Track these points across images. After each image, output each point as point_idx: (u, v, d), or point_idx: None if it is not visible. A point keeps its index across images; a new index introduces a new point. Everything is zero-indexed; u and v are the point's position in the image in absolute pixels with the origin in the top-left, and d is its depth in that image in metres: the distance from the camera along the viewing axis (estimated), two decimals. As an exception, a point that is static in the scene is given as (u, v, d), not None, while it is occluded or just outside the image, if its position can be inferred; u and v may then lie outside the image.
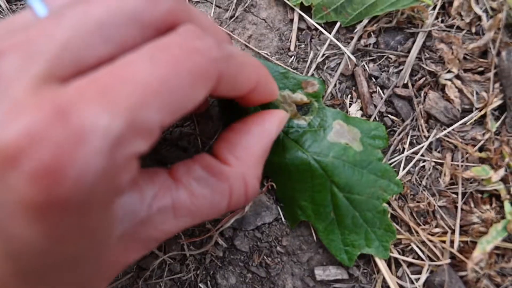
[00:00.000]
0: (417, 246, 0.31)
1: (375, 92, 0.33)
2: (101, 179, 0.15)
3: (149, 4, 0.17)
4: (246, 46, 0.34)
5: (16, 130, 0.14)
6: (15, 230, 0.14)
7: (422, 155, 0.33)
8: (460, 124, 0.32)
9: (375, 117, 0.33)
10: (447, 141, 0.32)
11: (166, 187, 0.21)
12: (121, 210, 0.19)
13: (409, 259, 0.31)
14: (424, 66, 0.33)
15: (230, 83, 0.20)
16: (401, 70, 0.33)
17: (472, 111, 0.33)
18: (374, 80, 0.33)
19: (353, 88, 0.34)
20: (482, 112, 0.32)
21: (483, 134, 0.32)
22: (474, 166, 0.32)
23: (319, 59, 0.33)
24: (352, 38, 0.33)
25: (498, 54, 0.32)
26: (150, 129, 0.16)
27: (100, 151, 0.14)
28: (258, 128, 0.25)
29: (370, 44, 0.34)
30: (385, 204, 0.30)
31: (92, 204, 0.15)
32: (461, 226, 0.31)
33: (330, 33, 0.33)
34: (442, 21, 0.34)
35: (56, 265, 0.16)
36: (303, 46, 0.34)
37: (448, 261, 0.30)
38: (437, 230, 0.31)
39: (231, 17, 0.34)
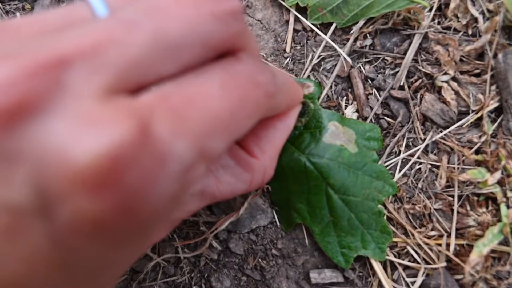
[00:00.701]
0: (413, 249, 0.31)
1: (371, 94, 0.33)
2: (170, 201, 0.15)
3: (221, 26, 0.17)
4: (242, 47, 0.34)
5: (98, 148, 0.12)
6: (77, 244, 0.14)
7: (418, 158, 0.32)
8: (457, 127, 0.32)
9: (371, 119, 0.33)
10: (443, 143, 0.32)
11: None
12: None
13: (405, 262, 0.31)
14: (420, 68, 0.33)
15: (274, 111, 0.22)
16: (397, 72, 0.33)
17: (468, 114, 0.32)
18: (370, 82, 0.33)
19: (349, 90, 0.33)
20: (479, 115, 0.32)
21: (480, 137, 0.32)
22: (470, 168, 0.31)
23: (315, 61, 0.33)
24: (348, 39, 0.33)
25: (495, 56, 0.32)
26: (214, 156, 0.16)
27: (175, 178, 0.14)
28: (281, 123, 0.26)
29: (366, 45, 0.33)
30: (380, 206, 0.30)
31: (157, 220, 0.15)
32: (457, 229, 0.31)
33: (326, 34, 0.33)
34: (439, 23, 0.33)
35: (105, 267, 0.16)
36: (298, 47, 0.34)
37: (444, 264, 0.30)
38: (433, 233, 0.31)
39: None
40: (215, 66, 0.17)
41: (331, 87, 0.33)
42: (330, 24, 0.33)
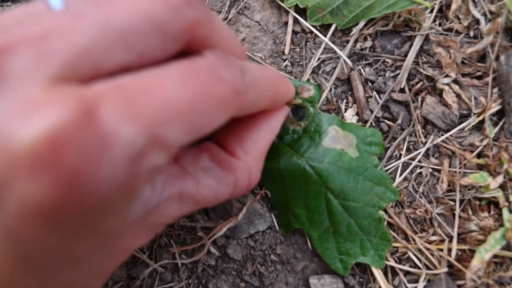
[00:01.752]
0: (414, 254, 0.31)
1: (371, 96, 0.33)
2: (120, 188, 0.14)
3: (175, 13, 0.16)
4: (240, 49, 0.33)
5: (38, 130, 0.12)
6: (28, 234, 0.13)
7: (419, 161, 0.32)
8: (458, 130, 0.32)
9: (371, 122, 0.32)
10: (445, 147, 0.32)
11: (174, 176, 0.21)
12: (135, 202, 0.19)
13: (406, 268, 0.31)
14: (421, 70, 0.32)
15: (248, 109, 0.21)
16: (398, 74, 0.33)
17: (470, 117, 0.32)
18: (370, 84, 0.33)
19: (349, 92, 0.33)
20: (480, 118, 0.32)
21: (481, 140, 0.31)
22: (472, 172, 0.31)
23: (314, 63, 0.33)
24: (348, 41, 0.33)
25: (497, 58, 0.32)
26: (170, 147, 0.16)
27: (123, 161, 0.14)
28: (266, 123, 0.25)
29: (366, 47, 0.33)
30: (381, 212, 0.30)
31: (109, 209, 0.15)
32: (459, 234, 0.31)
33: (325, 36, 0.33)
34: (440, 25, 0.33)
35: (69, 261, 0.16)
36: (297, 49, 0.33)
37: (446, 269, 0.30)
38: (434, 238, 0.31)
39: (224, 20, 0.33)
40: (176, 62, 0.17)
41: (330, 90, 0.33)
42: (330, 25, 0.33)
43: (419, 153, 0.32)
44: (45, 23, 0.14)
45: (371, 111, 0.32)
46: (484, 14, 0.32)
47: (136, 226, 0.20)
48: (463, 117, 0.32)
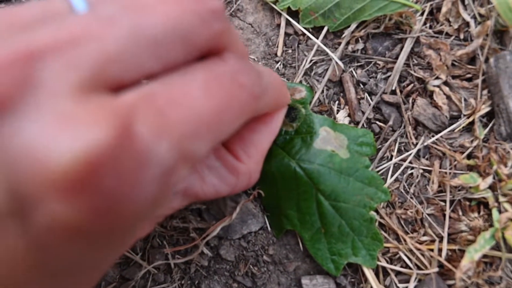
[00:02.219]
0: (405, 255, 0.31)
1: (363, 98, 0.33)
2: (151, 204, 0.14)
3: (203, 24, 0.16)
4: (232, 51, 0.33)
5: (74, 151, 0.12)
6: (54, 246, 0.13)
7: (410, 162, 0.32)
8: (448, 131, 0.32)
9: (363, 124, 0.32)
10: (435, 148, 0.32)
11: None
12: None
13: (397, 268, 0.31)
14: (412, 72, 0.33)
15: (259, 112, 0.22)
16: (389, 76, 0.33)
17: (460, 118, 0.32)
18: (362, 86, 0.33)
19: (341, 94, 0.33)
20: (470, 119, 0.32)
21: (471, 141, 0.32)
22: (462, 173, 0.31)
23: (307, 65, 0.33)
24: (339, 43, 0.33)
25: (486, 60, 0.32)
26: (195, 158, 0.16)
27: (157, 179, 0.14)
28: (267, 127, 0.26)
29: (358, 49, 0.33)
30: (372, 212, 0.30)
31: (136, 222, 0.15)
32: (449, 234, 0.31)
33: (317, 38, 0.33)
34: (430, 27, 0.33)
35: (86, 267, 0.16)
36: (290, 51, 0.33)
37: (436, 269, 0.30)
38: (425, 238, 0.31)
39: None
40: (199, 66, 0.17)
41: (322, 91, 0.33)
42: (322, 28, 0.33)
43: (410, 154, 0.32)
44: (74, 27, 0.14)
45: (363, 113, 0.33)
46: (474, 17, 0.33)
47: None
48: (454, 119, 0.32)
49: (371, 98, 0.33)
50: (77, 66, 0.13)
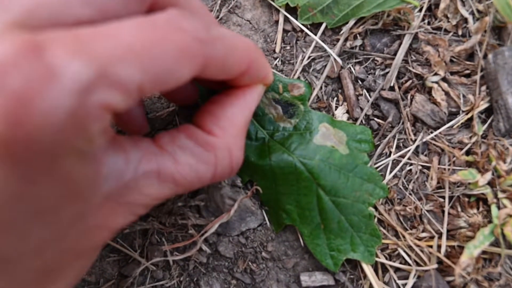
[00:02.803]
0: (404, 251, 0.31)
1: (361, 94, 0.33)
2: (69, 121, 0.14)
3: None
4: (231, 47, 0.33)
5: None
6: None
7: (408, 159, 0.32)
8: (447, 127, 0.32)
9: (361, 120, 0.32)
10: (434, 144, 0.32)
11: (151, 153, 0.21)
12: (105, 167, 0.19)
13: (396, 264, 0.31)
14: (410, 68, 0.33)
15: (219, 66, 0.20)
16: (388, 72, 0.33)
17: (459, 114, 0.32)
18: (360, 82, 0.33)
19: (339, 90, 0.33)
20: (469, 115, 0.32)
21: (470, 138, 0.32)
22: (461, 169, 0.31)
23: (305, 62, 0.33)
24: (338, 40, 0.33)
25: (485, 56, 0.32)
26: (126, 85, 0.16)
27: (69, 92, 0.14)
28: (240, 100, 0.25)
29: (356, 46, 0.33)
30: (371, 208, 0.30)
31: (62, 146, 0.14)
32: (448, 231, 0.31)
33: (315, 34, 0.33)
34: (429, 23, 0.33)
35: (32, 214, 0.15)
36: (288, 48, 0.33)
37: (435, 266, 0.30)
38: (424, 234, 0.31)
39: (215, 18, 0.34)
40: (134, 17, 0.17)
41: (321, 88, 0.33)
42: (320, 24, 0.33)
43: (409, 150, 0.32)
44: None
45: (361, 109, 0.33)
46: (472, 13, 0.33)
47: (111, 201, 0.20)
48: (452, 115, 0.32)
49: (369, 95, 0.33)
50: (5, 9, 0.14)
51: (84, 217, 0.18)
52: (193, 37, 0.18)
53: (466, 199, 0.31)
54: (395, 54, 0.33)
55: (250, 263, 0.32)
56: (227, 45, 0.20)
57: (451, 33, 0.33)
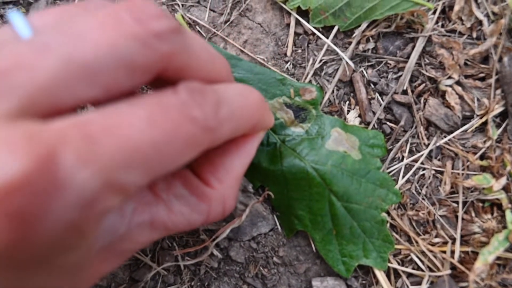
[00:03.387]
0: (417, 257, 0.31)
1: (373, 98, 0.32)
2: (70, 230, 0.14)
3: (143, 47, 0.16)
4: (242, 51, 0.33)
5: None
6: None
7: (422, 163, 0.32)
8: (461, 132, 0.32)
9: (373, 124, 0.32)
10: (448, 148, 0.32)
11: (145, 203, 0.21)
12: (101, 228, 0.19)
13: (409, 270, 0.31)
14: (424, 72, 0.32)
15: (223, 140, 0.20)
16: (401, 76, 0.32)
17: (473, 118, 0.32)
18: (372, 86, 0.33)
19: (351, 94, 0.33)
20: (483, 119, 0.31)
21: (484, 142, 0.31)
22: (475, 174, 0.31)
23: (317, 65, 0.32)
24: (350, 43, 0.33)
25: (500, 60, 0.31)
26: (127, 189, 0.15)
27: (73, 206, 0.14)
28: (240, 149, 0.24)
29: (368, 49, 0.33)
30: (383, 214, 0.30)
31: (59, 246, 0.15)
32: (461, 236, 0.31)
33: (327, 37, 0.32)
34: (443, 26, 0.33)
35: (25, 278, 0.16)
36: (299, 51, 0.33)
37: (449, 271, 0.30)
38: (437, 240, 0.31)
39: (226, 22, 0.33)
40: (147, 97, 0.16)
41: (333, 91, 0.33)
42: (332, 27, 0.33)
43: (422, 155, 0.32)
44: (8, 57, 0.14)
45: (374, 113, 0.32)
46: (487, 15, 0.32)
47: (104, 252, 0.20)
48: (466, 119, 0.32)
49: (382, 98, 0.32)
50: (6, 95, 0.14)
51: (75, 274, 0.18)
52: (202, 127, 0.17)
53: (480, 204, 0.31)
54: (408, 57, 0.32)
55: (261, 268, 0.32)
56: (235, 121, 0.20)
57: (465, 36, 0.32)
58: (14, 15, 0.17)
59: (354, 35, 0.32)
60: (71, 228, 0.14)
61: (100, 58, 0.15)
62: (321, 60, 0.33)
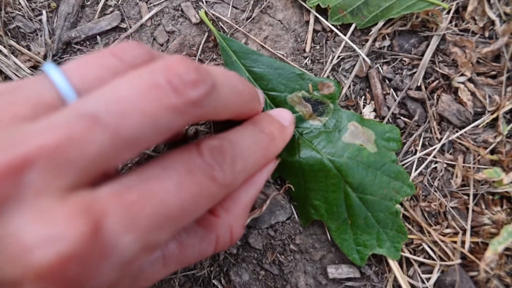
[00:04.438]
0: (429, 246, 0.32)
1: (388, 94, 0.34)
2: (111, 284, 0.17)
3: (181, 116, 0.18)
4: (262, 46, 0.34)
5: (50, 249, 0.14)
6: None
7: (434, 157, 0.33)
8: (472, 127, 0.33)
9: (388, 119, 0.33)
10: (459, 143, 0.33)
11: None
12: None
13: (421, 259, 0.32)
14: (437, 69, 0.33)
15: (235, 188, 0.23)
16: (415, 72, 0.34)
17: (484, 114, 0.33)
18: (387, 82, 0.34)
19: (367, 89, 0.34)
20: (494, 115, 0.33)
21: (495, 137, 0.33)
22: (485, 168, 0.32)
23: (334, 61, 0.34)
24: (367, 40, 0.34)
25: (511, 58, 0.33)
26: (157, 247, 0.18)
27: (117, 267, 0.16)
28: (248, 183, 0.26)
29: (384, 46, 0.34)
30: (397, 206, 0.31)
31: None
32: (472, 227, 0.32)
33: (345, 35, 0.34)
34: (456, 25, 0.34)
35: None
36: (318, 47, 0.34)
37: (459, 261, 0.31)
38: (448, 230, 0.32)
39: (247, 18, 0.35)
40: (176, 158, 0.19)
41: (349, 86, 0.34)
42: (350, 25, 0.34)
43: (435, 148, 0.33)
44: (59, 129, 0.16)
45: (388, 108, 0.33)
46: (499, 16, 0.34)
47: None
48: (478, 115, 0.33)
49: (396, 94, 0.34)
50: (61, 171, 0.15)
51: None
52: (221, 184, 0.20)
53: (490, 197, 0.32)
54: (422, 55, 0.34)
55: (278, 255, 0.33)
56: (247, 171, 0.23)
57: (478, 35, 0.34)
58: (52, 70, 0.18)
59: (371, 32, 0.34)
60: (111, 284, 0.16)
61: (143, 129, 0.17)
62: (338, 57, 0.34)
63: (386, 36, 0.34)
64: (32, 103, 0.17)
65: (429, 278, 0.32)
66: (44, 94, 0.17)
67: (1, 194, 0.15)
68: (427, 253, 0.32)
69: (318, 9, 0.34)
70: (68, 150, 0.15)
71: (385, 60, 0.34)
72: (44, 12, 0.35)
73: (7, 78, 0.34)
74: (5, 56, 0.34)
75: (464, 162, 0.33)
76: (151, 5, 0.35)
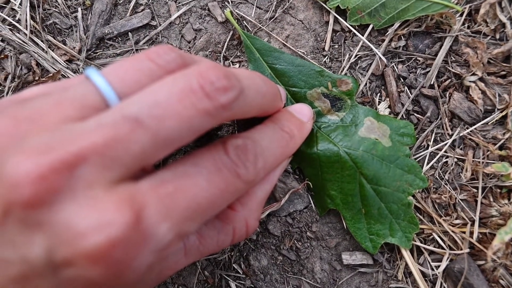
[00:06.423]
0: (439, 236, 0.34)
1: (403, 91, 0.36)
2: (147, 270, 0.19)
3: (212, 119, 0.20)
4: (284, 45, 0.36)
5: (99, 232, 0.16)
6: None
7: (445, 152, 0.35)
8: (482, 124, 0.35)
9: (402, 115, 0.35)
10: (470, 139, 0.35)
11: None
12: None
13: (431, 248, 0.34)
14: (450, 68, 0.35)
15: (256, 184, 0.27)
16: (428, 71, 0.36)
17: (494, 112, 0.35)
18: (402, 80, 0.36)
19: (382, 87, 0.36)
20: (503, 113, 0.34)
21: (504, 134, 0.34)
22: (494, 163, 0.34)
23: (352, 59, 0.36)
24: (383, 40, 0.36)
25: (521, 59, 0.34)
26: (187, 235, 0.21)
27: (154, 253, 0.18)
28: (264, 179, 0.28)
29: (400, 46, 0.36)
30: (410, 198, 0.33)
31: (139, 280, 0.19)
32: (480, 219, 0.34)
33: (363, 35, 0.36)
34: (469, 27, 0.36)
35: None
36: (336, 46, 0.36)
37: (468, 250, 0.33)
38: (457, 221, 0.34)
39: (270, 18, 0.37)
40: (205, 157, 0.22)
41: (366, 84, 0.36)
42: (367, 25, 0.36)
43: (446, 144, 0.35)
44: (107, 129, 0.18)
45: (403, 105, 0.35)
46: (510, 19, 0.35)
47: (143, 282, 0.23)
48: (487, 112, 0.35)
49: (410, 92, 0.36)
50: (110, 166, 0.18)
51: None
52: (245, 180, 0.22)
53: (498, 190, 0.34)
54: (436, 55, 0.35)
55: (295, 242, 0.35)
56: (267, 168, 0.25)
57: (489, 37, 0.35)
58: (94, 75, 0.20)
59: (387, 33, 0.36)
60: (148, 269, 0.19)
61: (179, 131, 0.19)
62: (356, 55, 0.36)
63: (402, 36, 0.36)
64: (79, 105, 0.19)
65: (439, 266, 0.33)
66: (89, 97, 0.20)
67: (56, 185, 0.17)
68: (437, 242, 0.34)
69: (338, 10, 0.36)
70: (115, 148, 0.18)
71: (400, 59, 0.36)
72: (79, 9, 0.37)
73: (43, 70, 0.36)
74: (43, 50, 0.36)
75: (473, 157, 0.35)
76: (180, 4, 0.37)
